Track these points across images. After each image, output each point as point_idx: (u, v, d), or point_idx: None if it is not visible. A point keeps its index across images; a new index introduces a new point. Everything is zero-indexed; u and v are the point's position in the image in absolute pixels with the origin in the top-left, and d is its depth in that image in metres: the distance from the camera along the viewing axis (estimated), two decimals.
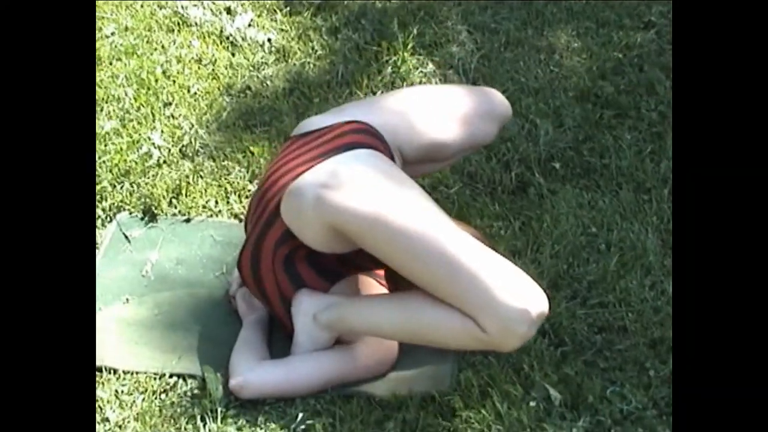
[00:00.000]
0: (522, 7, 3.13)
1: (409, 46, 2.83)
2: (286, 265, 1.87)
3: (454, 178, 2.43)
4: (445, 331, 1.75)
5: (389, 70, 2.77)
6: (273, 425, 1.78)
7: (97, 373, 1.88)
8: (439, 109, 2.07)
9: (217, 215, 2.32)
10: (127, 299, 2.08)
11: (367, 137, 1.93)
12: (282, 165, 1.91)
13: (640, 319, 2.06)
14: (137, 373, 1.89)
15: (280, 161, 1.93)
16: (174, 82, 2.73)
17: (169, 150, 2.47)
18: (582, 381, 1.89)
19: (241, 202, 2.34)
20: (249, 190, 2.36)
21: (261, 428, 1.78)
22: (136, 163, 2.42)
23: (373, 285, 1.96)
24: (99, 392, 1.85)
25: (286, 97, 2.70)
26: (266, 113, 2.63)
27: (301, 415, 1.78)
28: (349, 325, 1.87)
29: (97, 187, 2.33)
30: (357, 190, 1.78)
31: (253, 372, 1.85)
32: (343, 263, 1.90)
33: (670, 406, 1.86)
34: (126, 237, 2.24)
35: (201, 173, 2.40)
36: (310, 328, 1.87)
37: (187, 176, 2.38)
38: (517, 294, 1.68)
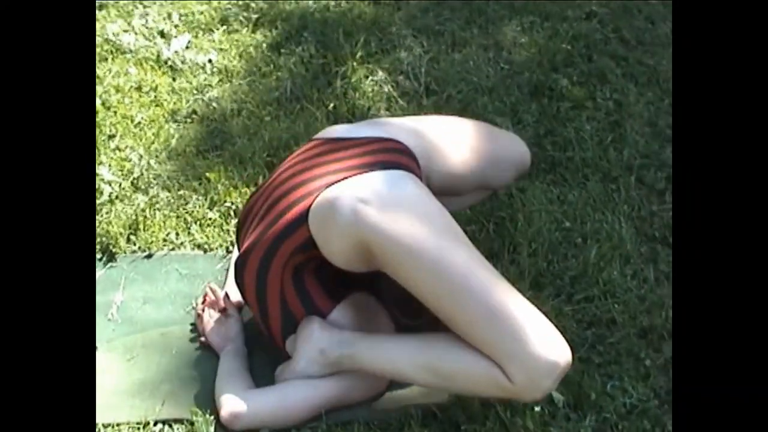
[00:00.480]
0: (463, 6, 3.09)
1: (357, 56, 2.76)
2: (295, 275, 1.77)
3: None
4: (468, 377, 1.66)
5: (339, 81, 2.70)
6: None
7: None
8: (468, 143, 2.02)
9: (179, 248, 2.21)
10: (96, 347, 1.95)
11: (405, 158, 1.84)
12: (304, 168, 1.81)
13: (627, 310, 2.02)
14: (118, 425, 1.76)
15: (300, 163, 1.83)
16: (115, 112, 2.61)
17: (120, 184, 2.35)
18: (581, 379, 1.84)
19: (203, 231, 2.24)
20: (210, 219, 2.26)
21: None
22: None
23: (378, 309, 1.87)
24: None
25: (234, 117, 2.60)
26: (217, 137, 2.53)
27: None
28: (360, 363, 1.76)
29: None
30: (398, 214, 1.69)
31: (246, 401, 1.75)
32: (351, 282, 1.82)
33: (671, 395, 1.82)
34: None
35: (157, 205, 2.29)
36: (314, 361, 1.78)
37: (143, 210, 2.27)
38: (549, 346, 1.60)
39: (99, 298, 2.06)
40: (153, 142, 2.50)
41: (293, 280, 1.78)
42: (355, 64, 2.75)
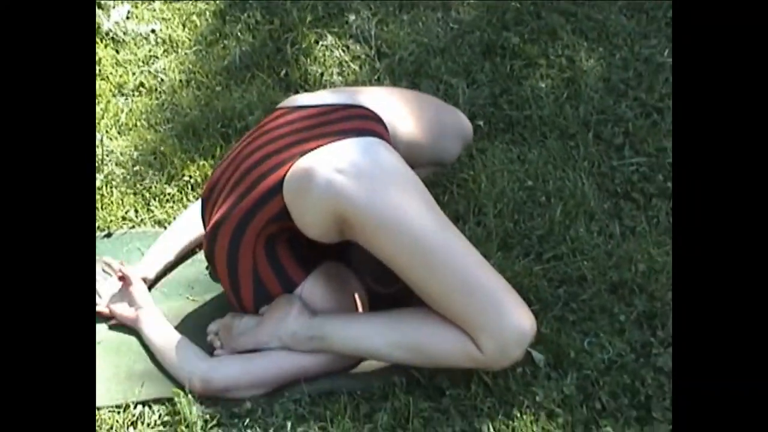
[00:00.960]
0: None
1: (306, 20, 2.70)
2: (267, 246, 1.73)
3: None
4: (440, 351, 1.69)
5: (289, 48, 2.63)
6: None
7: None
8: (423, 114, 2.02)
9: (139, 225, 2.15)
10: (100, 342, 1.87)
11: (376, 125, 1.81)
12: (274, 137, 1.77)
13: (596, 266, 2.03)
14: (98, 410, 1.71)
15: (268, 132, 1.79)
16: None
17: None
18: (559, 338, 1.85)
19: (162, 207, 2.17)
20: (169, 194, 2.19)
21: None
22: None
23: (350, 277, 1.84)
24: None
25: (183, 89, 2.53)
26: (167, 109, 2.46)
27: (289, 424, 1.66)
28: (331, 346, 1.75)
29: None
30: (374, 183, 1.67)
31: (214, 365, 1.75)
32: (323, 251, 1.78)
33: (647, 347, 1.85)
34: None
35: (113, 183, 2.21)
36: (282, 342, 1.75)
37: (99, 188, 2.19)
38: (518, 317, 1.66)
39: None
40: (102, 118, 2.40)
41: (266, 251, 1.74)
42: (304, 29, 2.69)
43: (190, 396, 1.69)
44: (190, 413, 1.67)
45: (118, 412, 1.71)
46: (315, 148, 1.70)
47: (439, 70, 2.58)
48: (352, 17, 2.78)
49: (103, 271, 2.00)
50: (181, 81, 2.55)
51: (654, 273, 2.01)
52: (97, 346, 1.85)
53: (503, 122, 2.44)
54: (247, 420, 1.69)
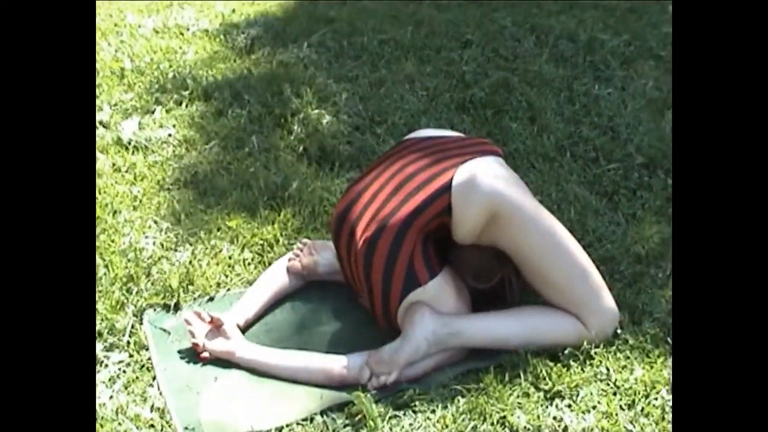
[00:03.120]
0: (361, 53, 3.45)
1: (306, 102, 3.02)
2: (424, 241, 2.02)
3: None
4: (559, 333, 2.06)
5: (298, 126, 2.93)
6: (429, 414, 1.90)
7: None
8: None
9: (232, 287, 2.33)
10: (216, 378, 2.05)
11: (497, 148, 2.19)
12: (423, 155, 2.08)
13: (620, 245, 2.41)
14: (288, 425, 1.89)
15: (413, 153, 2.10)
16: (107, 193, 2.66)
17: (153, 250, 2.43)
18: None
19: (246, 269, 2.37)
20: (247, 258, 2.40)
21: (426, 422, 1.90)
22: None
23: (458, 277, 2.11)
24: None
25: (218, 176, 2.74)
26: (211, 195, 2.66)
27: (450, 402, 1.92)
28: (467, 339, 2.03)
29: (115, 295, 2.25)
30: (518, 189, 2.06)
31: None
32: (441, 257, 2.07)
33: None
34: (164, 330, 2.19)
35: (198, 258, 2.39)
36: (425, 340, 2.00)
37: (189, 262, 2.37)
38: (612, 301, 2.08)
39: (186, 343, 2.13)
40: (158, 208, 2.60)
41: (422, 245, 2.02)
42: (306, 110, 3.00)
43: (368, 395, 1.91)
44: (372, 409, 1.88)
45: (304, 426, 1.89)
46: (467, 160, 2.03)
47: (429, 127, 2.94)
48: (336, 98, 3.11)
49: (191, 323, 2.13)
50: (212, 170, 2.77)
51: (665, 243, 2.42)
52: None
53: None
54: (418, 407, 1.93)
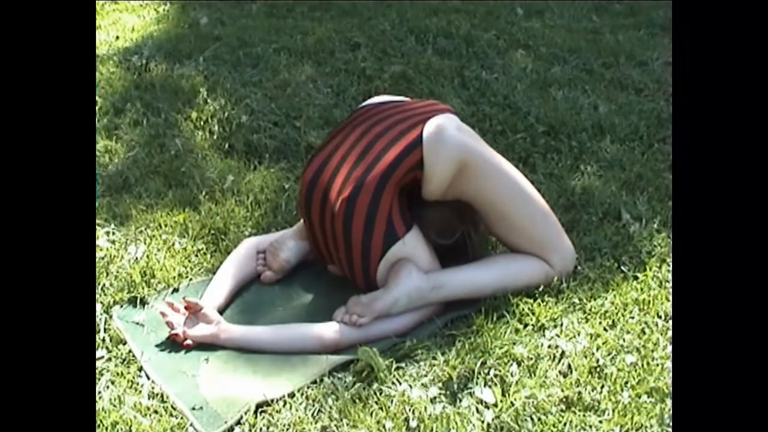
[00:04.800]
0: (250, 55, 3.29)
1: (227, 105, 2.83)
2: (399, 195, 1.91)
3: None
4: (529, 274, 1.99)
5: (217, 128, 2.74)
6: (431, 360, 1.78)
7: (266, 407, 1.67)
8: None
9: (193, 278, 2.12)
10: (206, 359, 1.82)
11: (451, 108, 2.09)
12: (386, 116, 1.97)
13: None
14: (299, 390, 1.71)
15: (376, 114, 1.98)
16: None
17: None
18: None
19: (204, 258, 2.16)
20: (201, 249, 2.19)
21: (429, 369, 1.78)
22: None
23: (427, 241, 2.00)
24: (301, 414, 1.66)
25: (152, 173, 2.51)
26: (147, 197, 2.42)
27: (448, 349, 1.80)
28: (448, 291, 1.93)
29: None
30: (479, 141, 1.99)
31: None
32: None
33: None
34: (137, 323, 1.94)
35: (156, 256, 2.16)
36: (408, 295, 1.89)
37: (147, 257, 2.13)
38: (569, 241, 2.05)
39: (162, 333, 1.90)
40: (98, 214, 2.32)
41: (398, 200, 1.91)
42: (225, 111, 2.81)
43: (370, 349, 1.76)
44: (377, 361, 1.73)
45: (312, 387, 1.72)
46: (430, 117, 1.92)
47: (342, 117, 2.84)
48: (253, 97, 2.95)
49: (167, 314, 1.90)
50: (142, 174, 2.52)
51: (587, 192, 2.43)
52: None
53: None
54: (419, 355, 1.80)
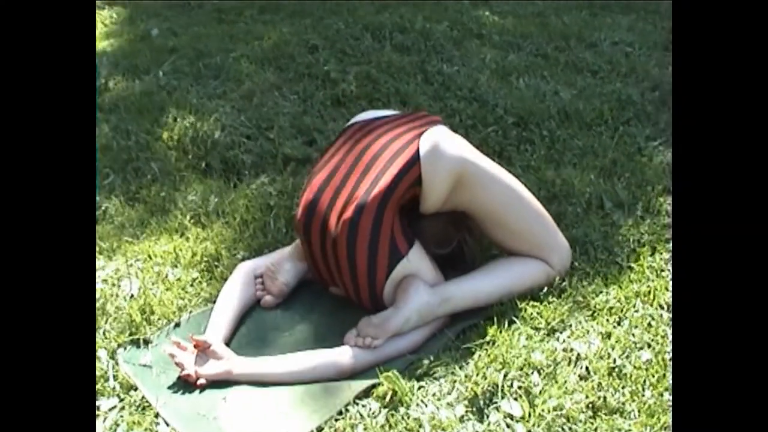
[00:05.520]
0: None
1: (196, 122, 2.66)
2: (400, 213, 1.81)
3: None
4: (531, 276, 1.91)
5: (191, 147, 2.58)
6: (452, 377, 1.70)
7: None
8: None
9: (192, 309, 1.98)
10: (224, 398, 1.70)
11: (440, 120, 1.99)
12: (379, 133, 1.86)
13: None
14: (330, 420, 1.61)
15: (369, 134, 1.88)
16: None
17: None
18: None
19: (199, 288, 2.03)
20: (196, 279, 2.06)
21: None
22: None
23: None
24: None
25: (131, 200, 2.35)
26: (130, 227, 2.27)
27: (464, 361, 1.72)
28: (456, 304, 1.85)
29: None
30: (474, 151, 1.88)
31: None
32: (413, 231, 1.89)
33: None
34: (145, 366, 1.80)
35: (150, 289, 2.02)
36: (418, 312, 1.80)
37: (142, 293, 1.99)
38: (564, 238, 1.97)
39: (173, 373, 1.76)
40: None
41: (399, 218, 1.82)
42: (197, 128, 2.65)
43: (394, 371, 1.67)
44: (402, 385, 1.64)
45: (339, 419, 1.62)
46: (422, 132, 1.82)
47: (312, 124, 2.71)
48: (221, 111, 2.79)
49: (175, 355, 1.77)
50: (121, 202, 2.36)
51: (566, 183, 2.37)
52: (224, 403, 1.69)
53: None
54: (438, 372, 1.72)
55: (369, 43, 3.31)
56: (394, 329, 1.78)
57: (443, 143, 1.83)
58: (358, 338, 1.78)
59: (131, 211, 2.32)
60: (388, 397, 1.65)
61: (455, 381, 1.69)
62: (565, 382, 1.66)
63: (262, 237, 2.20)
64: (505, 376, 1.67)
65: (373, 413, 1.62)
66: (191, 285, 2.05)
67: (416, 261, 1.84)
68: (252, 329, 1.93)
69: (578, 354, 1.74)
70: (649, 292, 1.92)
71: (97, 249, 2.16)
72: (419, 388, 1.67)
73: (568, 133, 2.65)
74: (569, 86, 2.99)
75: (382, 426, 1.59)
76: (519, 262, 1.93)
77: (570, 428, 1.56)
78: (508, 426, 1.58)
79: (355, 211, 1.78)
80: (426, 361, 1.74)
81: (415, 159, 1.80)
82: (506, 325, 1.82)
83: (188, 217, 2.28)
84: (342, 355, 1.76)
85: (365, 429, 1.59)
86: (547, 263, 1.93)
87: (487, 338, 1.79)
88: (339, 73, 3.02)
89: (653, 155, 2.51)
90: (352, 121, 1.99)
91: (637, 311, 1.86)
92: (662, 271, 2.00)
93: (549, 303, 1.89)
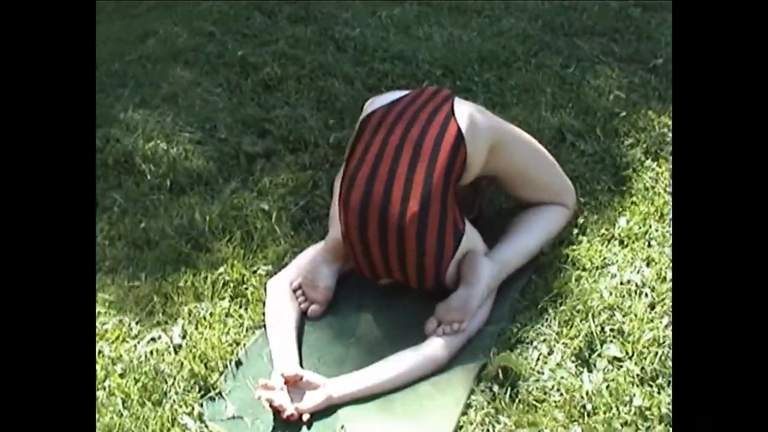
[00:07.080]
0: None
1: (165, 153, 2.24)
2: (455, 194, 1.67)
3: None
4: (557, 222, 1.85)
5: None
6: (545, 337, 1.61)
7: None
8: None
9: (244, 342, 1.70)
10: (342, 426, 1.48)
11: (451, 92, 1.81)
12: (409, 118, 1.69)
13: None
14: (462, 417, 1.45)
15: (400, 119, 1.69)
16: None
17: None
18: None
19: (238, 316, 1.74)
20: (228, 308, 1.76)
21: None
22: None
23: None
24: None
25: (108, 238, 1.95)
26: (125, 267, 1.88)
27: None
28: (513, 265, 1.75)
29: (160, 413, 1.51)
30: (495, 117, 1.81)
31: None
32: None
33: None
34: (235, 417, 1.53)
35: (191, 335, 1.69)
36: (486, 284, 1.67)
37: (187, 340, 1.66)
38: (567, 177, 1.92)
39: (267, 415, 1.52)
40: None
41: (454, 198, 1.68)
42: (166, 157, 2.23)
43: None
44: (515, 359, 1.53)
45: (467, 414, 1.48)
46: (449, 110, 1.69)
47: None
48: (182, 136, 2.37)
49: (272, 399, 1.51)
50: (101, 242, 1.95)
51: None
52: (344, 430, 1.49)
53: None
54: (529, 337, 1.61)
55: (262, 20, 2.96)
56: (475, 307, 1.64)
57: (476, 116, 1.69)
58: (444, 326, 1.62)
59: (115, 251, 1.93)
60: (501, 376, 1.53)
61: (550, 341, 1.60)
62: (641, 316, 1.63)
63: (273, 245, 1.92)
64: (593, 322, 1.60)
65: (497, 395, 1.50)
66: (228, 316, 1.76)
67: (471, 234, 1.70)
68: (314, 346, 1.69)
69: (636, 284, 1.71)
70: (656, 210, 1.92)
71: (107, 304, 1.78)
72: (525, 358, 1.56)
73: (495, 76, 2.55)
74: (467, 29, 2.86)
75: (516, 404, 1.47)
76: (545, 211, 1.84)
77: (669, 356, 1.53)
78: (619, 368, 1.52)
79: (422, 201, 1.60)
80: (514, 329, 1.63)
81: (460, 138, 1.64)
82: (561, 274, 1.74)
83: (185, 243, 1.93)
84: (434, 348, 1.59)
85: (497, 412, 1.46)
86: (564, 205, 1.86)
87: (554, 291, 1.70)
88: (253, 56, 2.67)
89: (580, 82, 2.49)
90: (369, 110, 1.75)
91: (656, 230, 1.86)
92: (653, 187, 2.00)
93: (580, 243, 1.83)
